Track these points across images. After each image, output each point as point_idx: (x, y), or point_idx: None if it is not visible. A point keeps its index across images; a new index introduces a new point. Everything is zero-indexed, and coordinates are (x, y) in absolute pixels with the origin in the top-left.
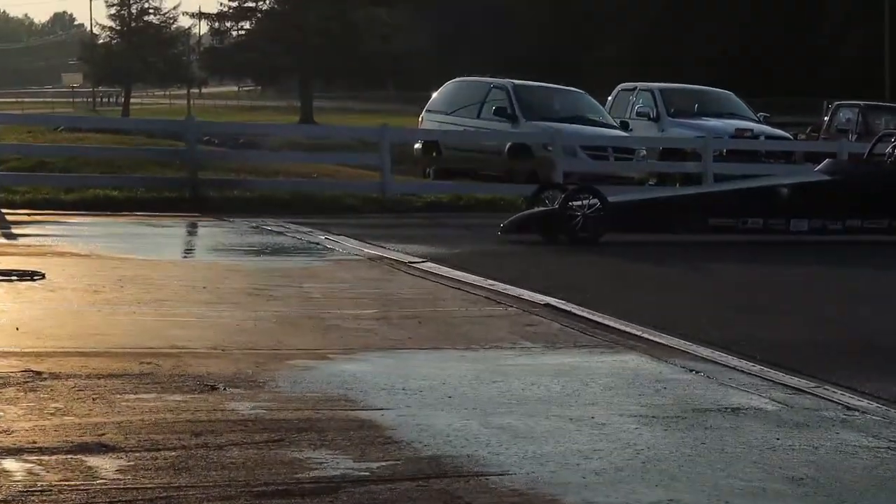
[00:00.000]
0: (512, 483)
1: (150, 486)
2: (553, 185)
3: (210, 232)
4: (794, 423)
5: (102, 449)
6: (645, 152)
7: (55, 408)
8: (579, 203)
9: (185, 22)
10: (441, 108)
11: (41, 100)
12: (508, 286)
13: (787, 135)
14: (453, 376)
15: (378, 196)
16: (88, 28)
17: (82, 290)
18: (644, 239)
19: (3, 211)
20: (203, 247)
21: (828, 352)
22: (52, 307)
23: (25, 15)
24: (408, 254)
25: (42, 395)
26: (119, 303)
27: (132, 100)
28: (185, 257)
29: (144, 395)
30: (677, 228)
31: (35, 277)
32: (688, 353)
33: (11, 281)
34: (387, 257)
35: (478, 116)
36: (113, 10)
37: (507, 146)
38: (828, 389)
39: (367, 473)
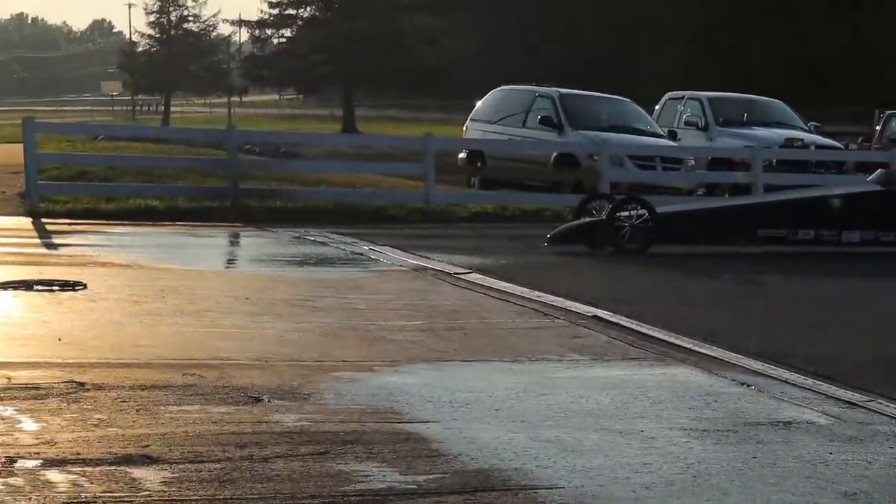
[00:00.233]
0: (560, 497)
1: (194, 498)
2: (600, 195)
3: (252, 242)
4: (847, 438)
5: (146, 461)
6: (693, 162)
7: (98, 419)
8: (627, 214)
9: (224, 29)
10: (486, 117)
11: (80, 108)
12: (555, 297)
13: (838, 144)
14: (500, 389)
15: (422, 206)
16: (127, 36)
17: (124, 300)
18: (692, 250)
19: (44, 221)
20: (245, 257)
21: (881, 365)
22: (93, 318)
23: (64, 22)
24: (453, 265)
25: (85, 407)
26: (161, 314)
27: (172, 108)
28: (227, 268)
29: (188, 407)
30: (726, 240)
31: (76, 288)
32: (738, 365)
33: (53, 291)
34: (431, 268)
35: (523, 125)
36: (152, 18)
37: (553, 156)
38: (881, 403)
39: (413, 486)
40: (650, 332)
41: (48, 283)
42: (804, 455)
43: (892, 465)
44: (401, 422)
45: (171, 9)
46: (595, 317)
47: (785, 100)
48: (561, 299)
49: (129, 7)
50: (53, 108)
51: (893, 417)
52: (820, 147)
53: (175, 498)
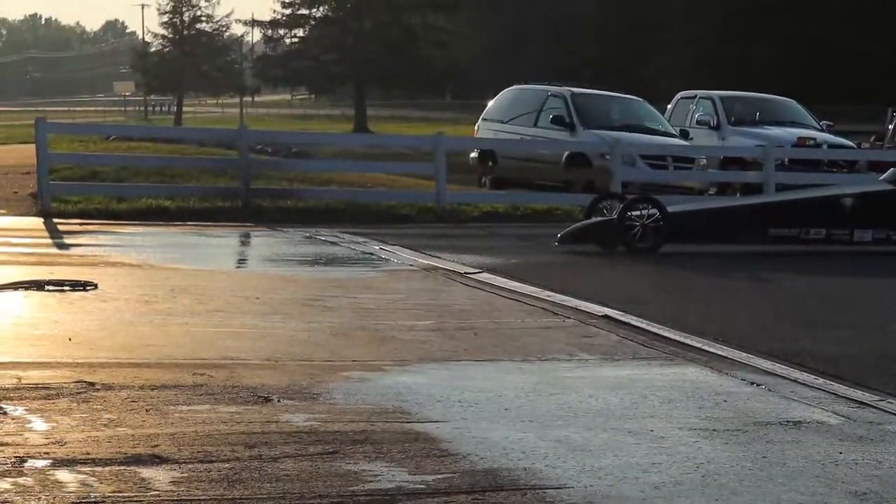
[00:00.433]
0: (570, 497)
1: (203, 497)
2: (611, 194)
3: (263, 242)
4: (858, 437)
5: (156, 460)
6: (705, 161)
7: (108, 419)
8: (638, 213)
9: (237, 30)
10: (497, 117)
11: (93, 109)
12: (566, 297)
13: (850, 143)
14: (510, 388)
15: (433, 206)
16: (140, 36)
17: (135, 300)
18: (704, 250)
19: (56, 221)
20: (256, 257)
21: (892, 365)
22: (104, 318)
23: (77, 23)
24: (463, 264)
25: (95, 406)
26: (172, 313)
27: (184, 108)
28: (238, 267)
29: (198, 407)
30: (738, 239)
31: (87, 288)
32: (748, 365)
33: (64, 291)
34: (442, 268)
35: (535, 125)
36: (165, 18)
37: (565, 155)
38: (892, 403)
39: (422, 486)
40: (660, 332)
41: (59, 283)
42: (814, 455)
43: None
44: (410, 421)
45: (184, 9)
46: (605, 316)
47: (797, 98)
48: (571, 299)
49: (143, 7)
50: (66, 109)
51: None
52: (832, 146)
53: (184, 498)
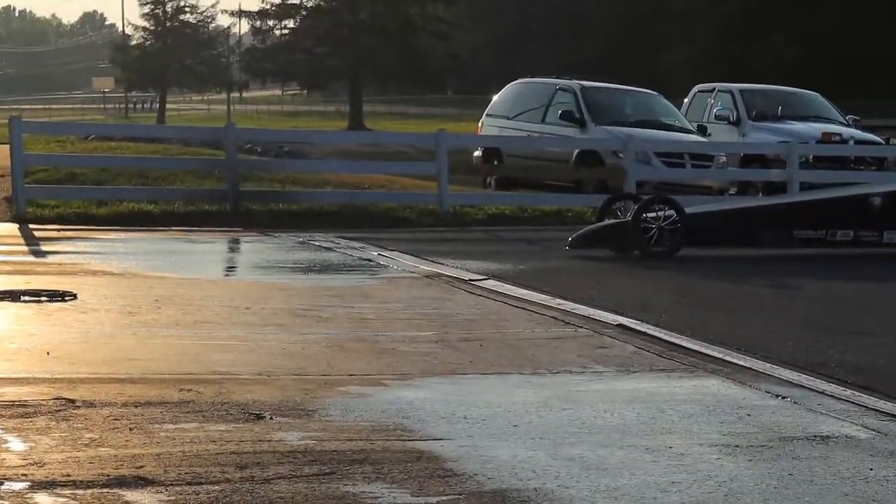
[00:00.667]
0: None
1: None
2: (625, 195)
3: (253, 248)
4: (889, 452)
5: (141, 483)
6: (724, 159)
7: (89, 438)
8: (654, 214)
9: (224, 21)
10: (503, 112)
11: (70, 106)
12: (578, 305)
13: (878, 139)
14: (519, 403)
15: (435, 208)
16: (120, 29)
17: (117, 311)
18: (724, 253)
19: (32, 227)
20: (246, 264)
21: None
22: (84, 330)
23: (53, 15)
24: (468, 270)
25: (75, 425)
26: (156, 325)
27: (168, 105)
28: (226, 275)
29: (185, 425)
30: (760, 241)
31: (66, 298)
32: (773, 376)
33: (41, 302)
34: (445, 274)
35: (542, 121)
36: (146, 9)
37: (575, 153)
38: None
39: None
40: (679, 342)
41: (36, 294)
42: (843, 471)
43: None
44: (412, 439)
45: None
46: (620, 325)
47: (821, 91)
48: (583, 307)
49: None
50: (42, 107)
51: None
52: (859, 142)
53: None
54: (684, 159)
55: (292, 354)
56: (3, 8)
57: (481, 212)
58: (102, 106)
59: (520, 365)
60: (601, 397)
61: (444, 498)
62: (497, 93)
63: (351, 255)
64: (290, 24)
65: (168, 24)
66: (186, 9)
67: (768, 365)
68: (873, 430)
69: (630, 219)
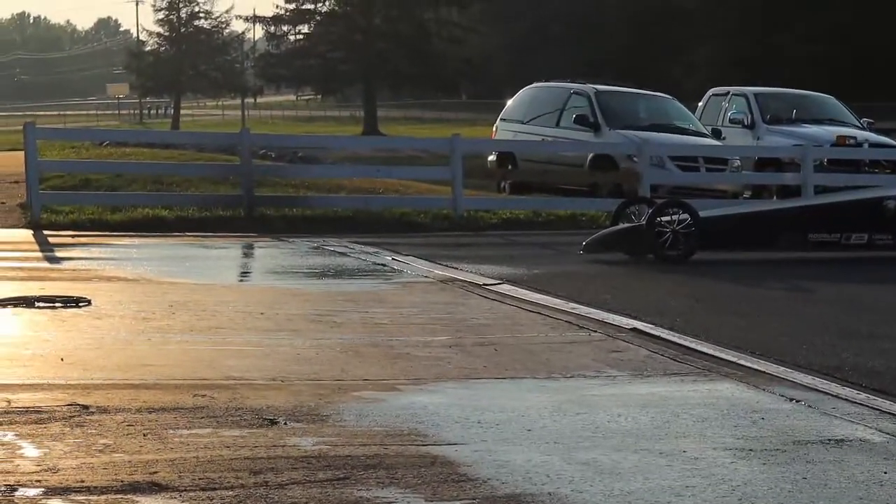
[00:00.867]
0: None
1: None
2: (639, 199)
3: (267, 253)
4: None
5: (155, 488)
6: (739, 162)
7: (104, 444)
8: (668, 218)
9: (238, 26)
10: (517, 117)
11: (85, 112)
12: (592, 309)
13: (893, 142)
14: (533, 408)
15: (449, 213)
16: (135, 35)
17: (131, 317)
18: (738, 257)
19: (46, 233)
20: (260, 269)
21: None
22: (98, 336)
23: (68, 21)
24: (482, 275)
25: (90, 431)
26: (170, 331)
27: (182, 111)
28: (240, 281)
29: (199, 431)
30: (774, 245)
31: (80, 304)
32: (787, 380)
33: (55, 308)
34: (459, 279)
35: (557, 125)
36: (161, 15)
37: (589, 157)
38: None
39: None
40: (693, 346)
41: (50, 300)
42: (857, 475)
43: None
44: (426, 444)
45: (181, 5)
46: (634, 329)
47: (836, 95)
48: (597, 311)
49: (137, 4)
50: (56, 113)
51: None
52: (874, 145)
53: None
54: (699, 163)
55: (306, 359)
56: (17, 14)
57: (496, 216)
58: (117, 112)
59: (534, 369)
60: (615, 401)
61: (458, 503)
62: (511, 97)
63: (365, 260)
64: (305, 29)
65: (182, 29)
66: (201, 14)
67: (782, 368)
68: (888, 433)
69: (644, 223)
